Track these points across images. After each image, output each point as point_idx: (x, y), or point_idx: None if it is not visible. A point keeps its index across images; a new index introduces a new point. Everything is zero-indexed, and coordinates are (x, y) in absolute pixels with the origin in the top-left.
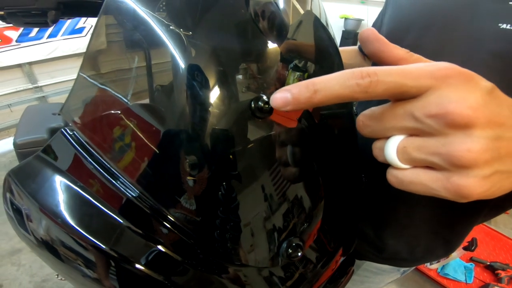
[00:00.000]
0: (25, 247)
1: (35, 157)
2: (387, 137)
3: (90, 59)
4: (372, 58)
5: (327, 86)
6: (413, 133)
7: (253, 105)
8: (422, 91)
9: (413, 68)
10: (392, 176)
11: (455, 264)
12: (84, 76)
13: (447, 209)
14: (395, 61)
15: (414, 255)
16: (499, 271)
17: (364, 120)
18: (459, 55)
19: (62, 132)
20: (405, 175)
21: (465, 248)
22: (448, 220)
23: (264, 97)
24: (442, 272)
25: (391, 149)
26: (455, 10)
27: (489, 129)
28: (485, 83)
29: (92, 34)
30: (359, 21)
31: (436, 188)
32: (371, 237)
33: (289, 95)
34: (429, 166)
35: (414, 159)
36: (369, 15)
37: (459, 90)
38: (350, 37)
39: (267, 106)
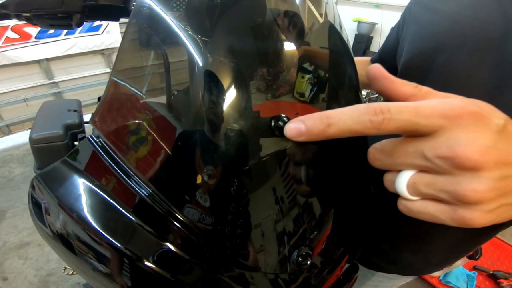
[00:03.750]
0: (33, 241)
1: (62, 162)
2: (398, 170)
3: (121, 62)
4: (381, 95)
5: (341, 120)
6: (422, 169)
7: (273, 124)
8: (433, 130)
9: (425, 106)
10: (402, 205)
11: (458, 272)
12: (115, 78)
13: (471, 229)
14: (404, 98)
15: (429, 266)
16: (501, 280)
17: (375, 154)
18: (493, 77)
19: (89, 139)
20: (414, 206)
21: (469, 257)
22: (472, 236)
23: (284, 117)
24: (444, 280)
25: (402, 183)
26: (487, 30)
27: (496, 169)
28: (497, 121)
29: (123, 39)
30: (372, 24)
31: (443, 219)
32: (386, 250)
33: (303, 127)
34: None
35: (423, 193)
36: (383, 19)
37: (469, 131)
38: (363, 40)
39: None
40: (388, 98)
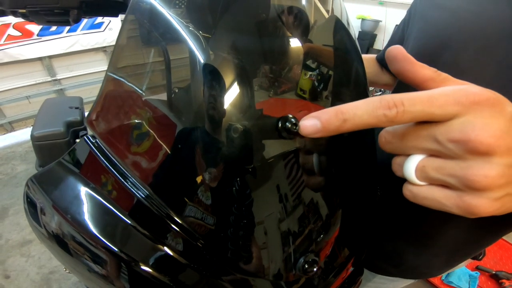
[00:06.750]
0: (36, 239)
1: (57, 163)
2: (407, 155)
3: (117, 59)
4: (399, 77)
5: (356, 115)
6: (433, 154)
7: (280, 125)
8: (448, 118)
9: (439, 95)
10: (407, 190)
11: (460, 272)
12: (111, 75)
13: (475, 230)
14: (423, 81)
15: (433, 270)
16: (503, 280)
17: (387, 137)
18: (499, 77)
19: (85, 140)
20: (420, 191)
21: (472, 257)
22: (475, 239)
23: (292, 118)
24: (446, 280)
25: (411, 167)
26: (494, 26)
27: (507, 156)
28: (510, 108)
29: (119, 35)
30: (376, 22)
31: (448, 205)
32: (389, 253)
33: (318, 124)
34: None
35: (431, 178)
36: (387, 16)
37: (484, 116)
38: (366, 38)
39: (294, 127)
40: (406, 80)
